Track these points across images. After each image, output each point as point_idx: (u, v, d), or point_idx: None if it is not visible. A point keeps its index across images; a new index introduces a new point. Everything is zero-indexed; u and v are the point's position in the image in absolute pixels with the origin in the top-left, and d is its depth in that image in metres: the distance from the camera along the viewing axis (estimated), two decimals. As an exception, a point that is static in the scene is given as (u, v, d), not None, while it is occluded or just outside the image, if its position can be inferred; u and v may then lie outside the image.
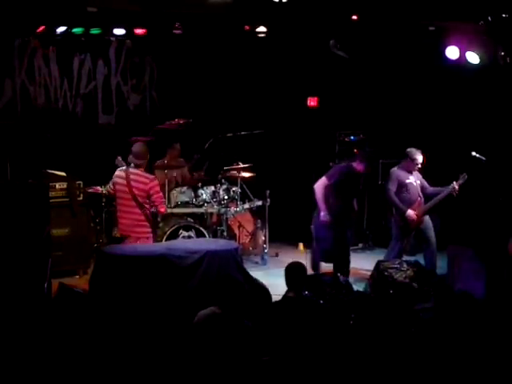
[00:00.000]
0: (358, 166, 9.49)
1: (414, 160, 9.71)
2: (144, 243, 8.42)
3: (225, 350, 5.76)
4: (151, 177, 8.44)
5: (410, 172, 9.80)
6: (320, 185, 9.40)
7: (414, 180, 9.82)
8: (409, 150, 9.78)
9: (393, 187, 9.73)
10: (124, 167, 8.49)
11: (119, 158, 8.63)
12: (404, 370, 5.81)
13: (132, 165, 8.45)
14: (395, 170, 9.84)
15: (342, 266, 9.40)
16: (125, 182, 8.35)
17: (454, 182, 9.66)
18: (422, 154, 9.75)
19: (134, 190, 8.29)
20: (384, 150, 11.95)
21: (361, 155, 9.74)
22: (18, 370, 6.62)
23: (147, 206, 8.35)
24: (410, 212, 9.67)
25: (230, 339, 5.78)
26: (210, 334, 5.80)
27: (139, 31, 11.02)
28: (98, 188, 10.02)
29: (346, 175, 9.48)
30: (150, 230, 8.47)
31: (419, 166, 9.78)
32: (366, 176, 9.90)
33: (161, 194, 8.48)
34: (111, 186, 8.65)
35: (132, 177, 8.33)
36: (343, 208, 9.51)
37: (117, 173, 8.51)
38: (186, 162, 11.24)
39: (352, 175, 9.51)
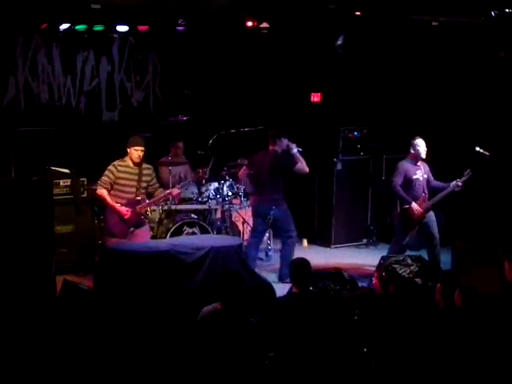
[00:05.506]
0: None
1: (417, 148, 9.69)
2: None
3: (229, 347, 5.75)
4: None
5: (417, 163, 9.76)
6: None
7: (421, 174, 9.75)
8: (412, 140, 9.76)
9: (398, 180, 9.68)
10: None
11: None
12: (409, 365, 5.80)
13: None
14: (403, 164, 9.75)
15: None
16: None
17: (457, 180, 9.65)
18: (426, 141, 9.72)
19: None
20: (388, 146, 11.95)
21: None
22: (22, 367, 6.64)
23: None
24: (415, 205, 9.65)
25: (234, 336, 5.78)
26: (214, 331, 5.79)
27: (142, 28, 11.01)
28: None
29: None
30: None
31: (424, 154, 9.73)
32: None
33: None
34: None
35: None
36: None
37: None
38: (188, 159, 11.19)
39: None
